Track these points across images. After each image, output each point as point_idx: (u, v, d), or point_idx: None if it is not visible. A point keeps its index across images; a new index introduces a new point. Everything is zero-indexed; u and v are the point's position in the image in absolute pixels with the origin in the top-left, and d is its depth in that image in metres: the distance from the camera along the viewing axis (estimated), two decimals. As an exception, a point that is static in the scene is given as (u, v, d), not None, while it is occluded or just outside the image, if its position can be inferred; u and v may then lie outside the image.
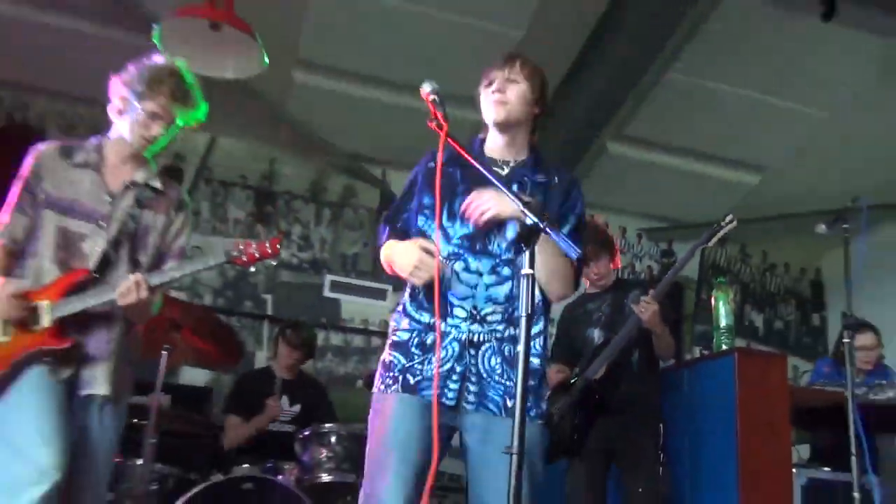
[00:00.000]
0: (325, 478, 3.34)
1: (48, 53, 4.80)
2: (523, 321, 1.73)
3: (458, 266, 2.08)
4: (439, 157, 2.00)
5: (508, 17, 4.61)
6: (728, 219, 3.24)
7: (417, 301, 2.10)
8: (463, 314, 2.06)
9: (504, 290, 2.07)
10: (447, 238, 2.09)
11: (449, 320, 2.05)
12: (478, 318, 2.05)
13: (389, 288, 5.68)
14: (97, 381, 2.30)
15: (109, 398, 2.32)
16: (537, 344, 2.09)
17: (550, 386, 3.32)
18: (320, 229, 5.75)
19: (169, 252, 2.47)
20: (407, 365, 2.04)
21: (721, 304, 3.68)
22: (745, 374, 3.31)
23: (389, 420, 2.01)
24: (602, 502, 3.37)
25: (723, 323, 3.66)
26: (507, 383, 2.02)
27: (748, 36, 4.63)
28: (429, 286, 2.03)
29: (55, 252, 2.33)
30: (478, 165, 1.99)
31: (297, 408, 4.25)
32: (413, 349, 2.06)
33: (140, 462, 3.40)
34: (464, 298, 2.06)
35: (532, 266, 1.75)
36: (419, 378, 2.03)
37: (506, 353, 2.05)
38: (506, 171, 2.17)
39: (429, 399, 1.98)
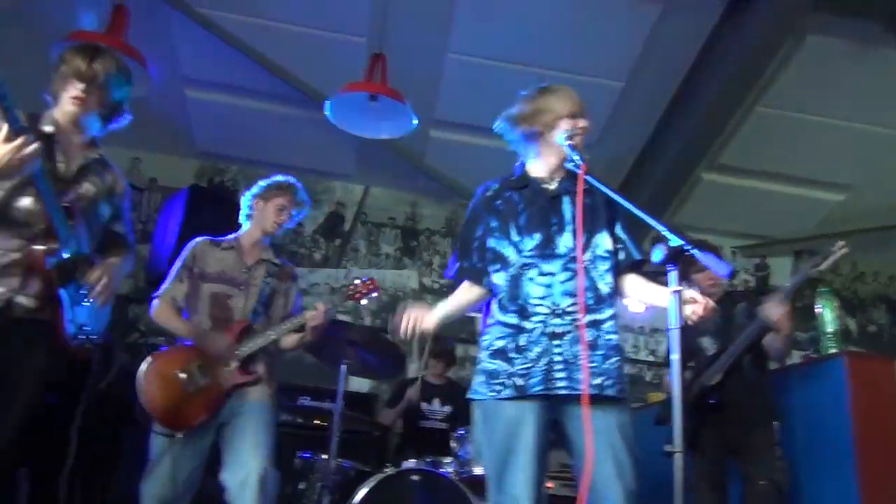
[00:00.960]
0: (479, 471, 3.25)
1: (240, 130, 5.06)
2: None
3: (533, 273, 2.01)
4: (579, 190, 1.94)
5: (610, 70, 4.49)
6: (839, 245, 2.94)
7: (503, 307, 2.03)
8: (546, 311, 1.98)
9: (576, 282, 1.98)
10: (519, 251, 2.04)
11: (533, 319, 1.98)
12: (558, 312, 1.97)
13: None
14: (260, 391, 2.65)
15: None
16: (614, 324, 2.01)
17: (669, 389, 3.14)
18: (457, 259, 5.74)
19: (293, 307, 2.87)
20: (511, 370, 1.95)
21: (827, 311, 3.40)
22: (856, 375, 3.04)
23: (509, 424, 1.92)
24: (723, 494, 3.14)
25: (829, 329, 3.39)
26: (591, 365, 1.93)
27: (829, 68, 4.34)
28: (512, 292, 2.02)
29: (210, 310, 2.65)
30: (618, 197, 1.91)
31: (447, 408, 4.24)
32: (511, 354, 1.97)
33: (325, 457, 3.46)
34: (543, 297, 1.99)
35: (678, 283, 1.65)
36: (527, 377, 1.94)
37: (588, 339, 1.96)
38: (553, 185, 2.12)
39: (534, 394, 1.92)
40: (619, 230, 2.11)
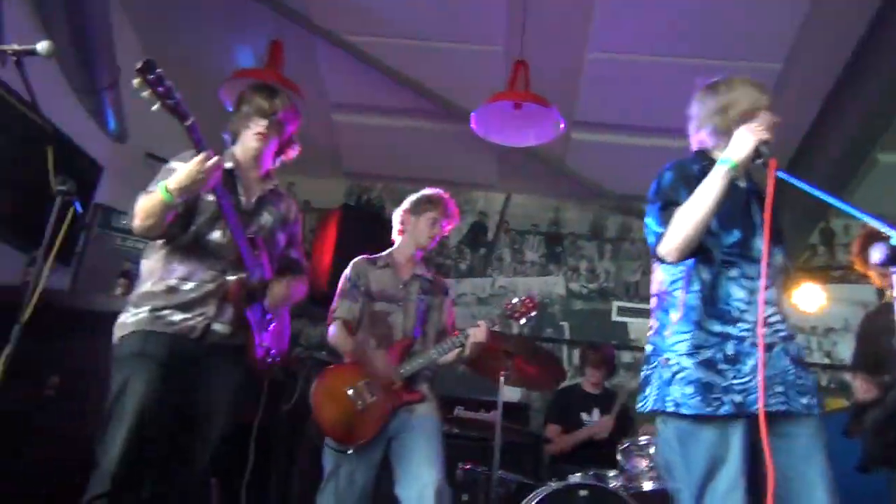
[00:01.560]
0: (648, 486, 3.13)
1: (383, 148, 5.21)
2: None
3: (735, 273, 1.87)
4: (770, 188, 1.77)
5: (765, 53, 4.16)
6: None
7: (705, 309, 1.86)
8: (752, 319, 1.83)
9: (774, 291, 1.88)
10: (719, 245, 1.89)
11: (741, 325, 1.84)
12: (765, 322, 1.84)
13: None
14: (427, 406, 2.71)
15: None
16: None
17: (860, 398, 2.84)
18: (603, 262, 5.58)
19: (447, 320, 2.91)
20: (725, 384, 1.81)
21: None
22: None
23: (715, 445, 1.78)
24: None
25: None
26: (799, 381, 1.83)
27: None
28: (714, 292, 1.87)
29: (372, 328, 2.72)
30: (823, 194, 1.75)
31: (607, 417, 4.10)
32: (721, 366, 1.82)
33: (485, 469, 3.46)
34: (748, 303, 1.84)
35: None
36: (745, 394, 1.80)
37: (791, 353, 1.86)
38: (743, 184, 2.02)
39: (753, 413, 1.76)
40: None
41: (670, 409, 1.84)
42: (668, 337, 1.92)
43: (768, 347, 1.82)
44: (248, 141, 2.26)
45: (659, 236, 1.87)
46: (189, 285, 2.09)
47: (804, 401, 1.83)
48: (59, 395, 2.93)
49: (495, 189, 5.62)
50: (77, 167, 3.75)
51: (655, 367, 1.94)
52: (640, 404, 1.95)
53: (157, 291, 2.08)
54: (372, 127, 5.03)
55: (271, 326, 2.27)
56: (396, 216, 2.93)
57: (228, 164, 2.24)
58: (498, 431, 3.16)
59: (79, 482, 1.95)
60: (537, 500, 2.98)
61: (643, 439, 3.29)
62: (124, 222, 3.41)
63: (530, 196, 5.70)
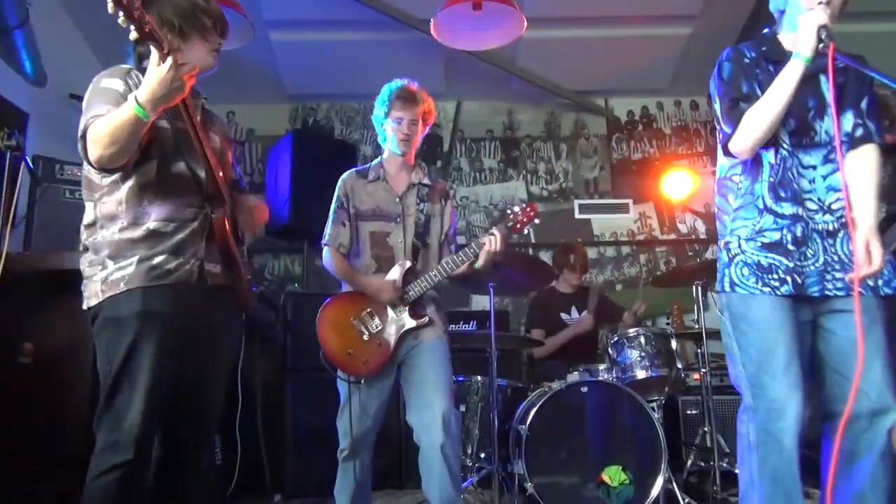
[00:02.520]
0: (641, 374, 3.26)
1: (329, 64, 4.95)
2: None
3: (792, 163, 1.91)
4: (831, 70, 1.75)
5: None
6: None
7: (775, 192, 1.91)
8: (814, 206, 1.89)
9: (839, 176, 1.88)
10: (782, 131, 1.91)
11: (808, 207, 1.90)
12: (825, 208, 1.89)
13: (630, 202, 5.46)
14: (434, 330, 2.59)
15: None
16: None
17: None
18: (561, 162, 5.59)
19: (449, 230, 2.71)
20: (790, 265, 1.87)
21: None
22: None
23: (771, 323, 1.86)
24: None
25: None
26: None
27: None
28: (782, 175, 1.91)
29: (370, 250, 2.58)
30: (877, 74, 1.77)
31: (585, 315, 4.21)
32: (789, 246, 1.88)
33: (479, 378, 3.53)
34: (809, 192, 1.90)
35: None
36: (804, 277, 1.87)
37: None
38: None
39: (814, 294, 1.85)
40: (863, 106, 1.97)
41: (727, 288, 1.94)
42: (728, 222, 2.00)
43: (831, 234, 1.88)
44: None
45: (728, 136, 1.91)
46: (172, 226, 1.87)
47: (870, 283, 1.86)
48: (35, 362, 2.80)
49: (444, 97, 5.46)
50: (1, 118, 3.41)
51: (719, 251, 2.03)
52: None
53: (136, 238, 1.84)
54: (310, 44, 4.76)
55: (245, 256, 2.10)
56: (376, 123, 2.68)
57: None
58: (493, 342, 3.22)
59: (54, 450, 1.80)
60: (543, 400, 3.06)
61: (632, 331, 3.40)
62: (70, 172, 3.16)
63: (481, 102, 5.58)
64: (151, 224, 1.85)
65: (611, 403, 3.13)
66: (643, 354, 3.29)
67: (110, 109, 1.76)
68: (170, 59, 1.68)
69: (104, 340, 1.81)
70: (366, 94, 5.26)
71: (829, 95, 1.82)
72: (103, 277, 1.84)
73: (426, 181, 2.67)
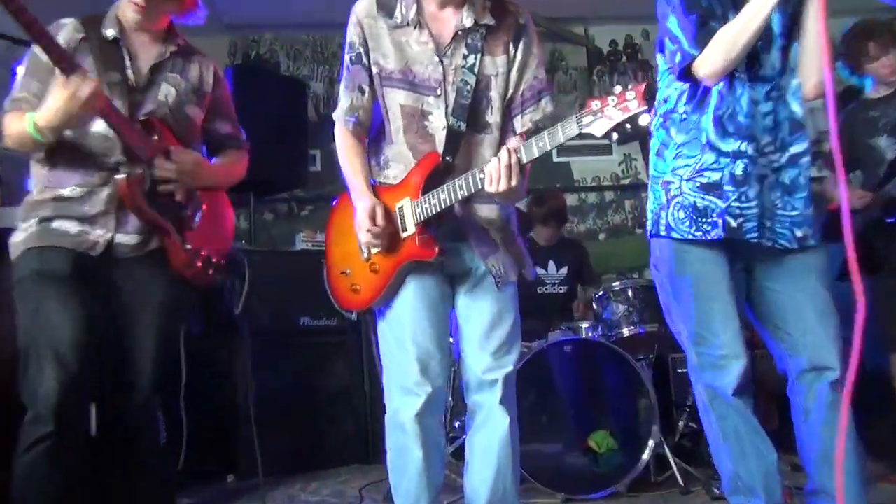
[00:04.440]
0: (631, 330, 3.30)
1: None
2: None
3: (741, 95, 1.90)
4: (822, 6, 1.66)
5: None
6: None
7: (721, 127, 1.90)
8: (750, 149, 1.90)
9: (773, 117, 1.92)
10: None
11: (753, 145, 1.90)
12: (761, 150, 1.91)
13: (614, 142, 5.44)
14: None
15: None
16: (805, 162, 1.95)
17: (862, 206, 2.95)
18: (536, 99, 5.53)
19: (523, 96, 1.94)
20: (723, 206, 1.89)
21: None
22: None
23: (708, 268, 1.92)
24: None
25: None
26: (792, 214, 1.92)
27: None
28: (728, 106, 1.90)
29: (404, 135, 1.93)
30: None
31: (563, 271, 4.22)
32: (726, 187, 1.90)
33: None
34: (747, 129, 1.90)
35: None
36: (741, 219, 1.89)
37: (785, 183, 1.93)
38: None
39: (752, 240, 1.90)
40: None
41: (662, 232, 1.98)
42: (670, 159, 1.99)
43: (760, 179, 1.91)
44: (126, 9, 2.02)
45: (691, 57, 1.87)
46: (79, 191, 1.95)
47: (798, 233, 1.93)
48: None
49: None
50: None
51: (654, 189, 2.04)
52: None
53: (43, 200, 1.96)
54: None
55: (196, 222, 2.10)
56: None
57: (111, 32, 1.99)
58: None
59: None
60: (522, 362, 3.05)
61: (617, 284, 3.42)
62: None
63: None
64: (62, 190, 1.95)
65: (596, 363, 3.15)
66: (631, 309, 3.31)
67: (35, 88, 1.94)
68: (74, 80, 1.76)
69: (17, 305, 1.91)
70: (315, 24, 5.19)
71: (818, 38, 1.79)
72: (13, 240, 1.97)
73: (485, 20, 1.90)
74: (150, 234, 2.00)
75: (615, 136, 1.64)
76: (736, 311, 1.92)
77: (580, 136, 1.65)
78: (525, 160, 1.73)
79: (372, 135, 2.03)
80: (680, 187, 1.95)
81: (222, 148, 2.26)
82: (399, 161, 1.94)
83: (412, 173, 1.91)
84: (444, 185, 1.83)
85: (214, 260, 2.16)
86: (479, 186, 1.77)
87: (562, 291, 4.17)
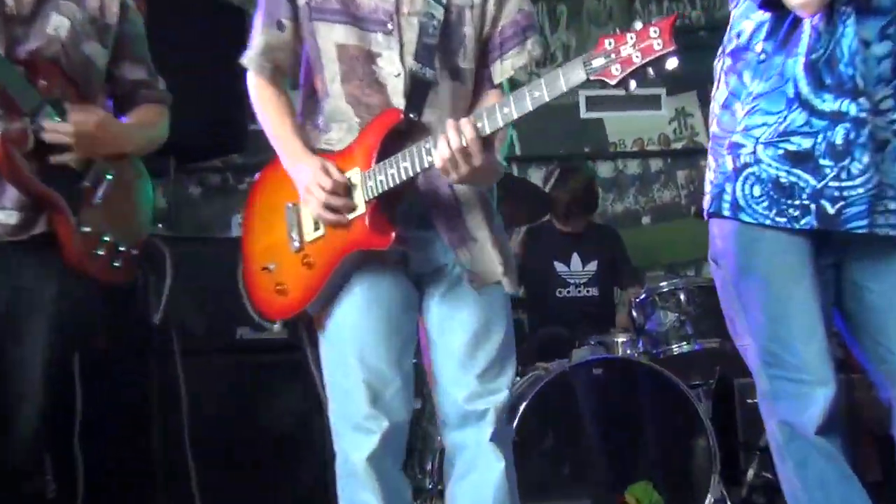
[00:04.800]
0: (683, 346, 3.31)
1: None
2: None
3: (843, 34, 1.86)
4: None
5: None
6: None
7: (816, 76, 1.87)
8: (854, 109, 1.86)
9: (893, 62, 1.88)
10: None
11: (861, 103, 1.86)
12: (875, 108, 1.87)
13: (663, 91, 5.45)
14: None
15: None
16: None
17: None
18: (559, 34, 5.55)
19: (501, 35, 1.95)
20: (818, 186, 1.86)
21: None
22: None
23: (787, 263, 1.91)
24: None
25: None
26: None
27: None
28: (825, 51, 1.86)
29: (343, 86, 1.95)
30: None
31: (592, 266, 4.24)
32: (822, 160, 1.86)
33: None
34: (852, 82, 1.86)
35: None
36: (841, 204, 1.86)
37: None
38: None
39: (857, 231, 1.87)
40: None
41: (725, 212, 1.95)
42: (740, 114, 1.97)
43: (875, 146, 1.87)
44: None
45: None
46: None
47: None
48: None
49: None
50: None
51: (717, 153, 2.03)
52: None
53: None
54: None
55: (98, 197, 2.11)
56: None
57: None
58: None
59: None
60: (537, 389, 3.09)
61: (665, 284, 3.43)
62: None
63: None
64: None
65: (636, 391, 3.17)
66: (683, 318, 3.32)
67: None
68: None
69: None
70: None
71: None
72: None
73: None
74: (34, 213, 2.01)
75: (632, 84, 1.64)
76: (822, 320, 1.90)
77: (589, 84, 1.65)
78: (488, 130, 1.73)
79: (304, 88, 2.06)
80: (755, 153, 1.92)
81: (134, 101, 2.27)
82: (340, 119, 1.96)
83: (364, 135, 1.92)
84: (407, 152, 1.84)
85: (123, 249, 2.16)
86: (427, 166, 1.80)
87: (590, 294, 4.20)
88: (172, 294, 3.38)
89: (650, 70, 1.61)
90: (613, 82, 1.62)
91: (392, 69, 1.91)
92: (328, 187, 1.84)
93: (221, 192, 5.22)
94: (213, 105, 4.04)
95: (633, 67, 1.61)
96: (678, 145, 5.50)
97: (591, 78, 1.63)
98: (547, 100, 1.66)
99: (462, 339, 1.93)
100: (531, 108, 1.68)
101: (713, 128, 2.07)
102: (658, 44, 1.60)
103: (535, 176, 5.04)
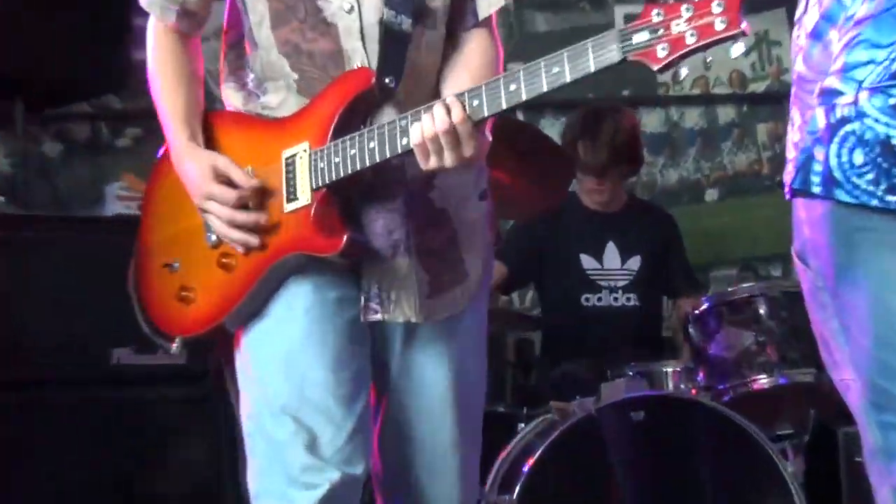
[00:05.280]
0: (764, 380, 3.35)
1: None
2: None
3: None
4: None
5: None
6: None
7: None
8: None
9: None
10: None
11: None
12: None
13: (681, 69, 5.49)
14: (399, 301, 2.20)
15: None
16: None
17: None
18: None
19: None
20: None
21: None
22: None
23: None
24: None
25: None
26: None
27: None
28: None
29: (274, 31, 2.11)
30: None
31: (634, 263, 4.26)
32: None
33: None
34: None
35: None
36: None
37: None
38: None
39: None
40: None
41: (815, 189, 1.97)
42: (838, 47, 1.98)
43: None
44: None
45: None
46: None
47: None
48: None
49: None
50: None
51: (803, 102, 2.05)
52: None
53: None
54: None
55: None
56: None
57: None
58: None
59: None
60: (551, 439, 3.14)
61: (738, 290, 3.47)
62: None
63: None
64: None
65: (693, 444, 3.21)
66: (762, 339, 3.35)
67: None
68: None
69: None
70: None
71: None
72: None
73: None
74: None
75: (683, 71, 1.78)
76: None
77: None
78: (486, 112, 1.85)
79: (227, 37, 2.19)
80: (856, 104, 1.94)
81: None
82: (273, 77, 2.10)
83: (320, 101, 2.04)
84: (376, 128, 1.96)
85: None
86: (400, 150, 1.93)
87: (630, 304, 4.24)
88: (17, 298, 3.40)
89: (707, 57, 1.72)
90: (657, 67, 1.70)
91: (342, 2, 2.03)
92: (230, 201, 1.95)
93: (91, 150, 5.24)
94: (81, 28, 4.05)
95: (685, 51, 1.68)
96: (758, 87, 5.56)
97: (630, 59, 1.70)
98: (568, 80, 1.73)
99: (436, 393, 2.15)
100: (546, 89, 1.76)
101: (798, 66, 2.10)
102: (722, 22, 1.65)
103: (552, 133, 5.05)
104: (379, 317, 2.08)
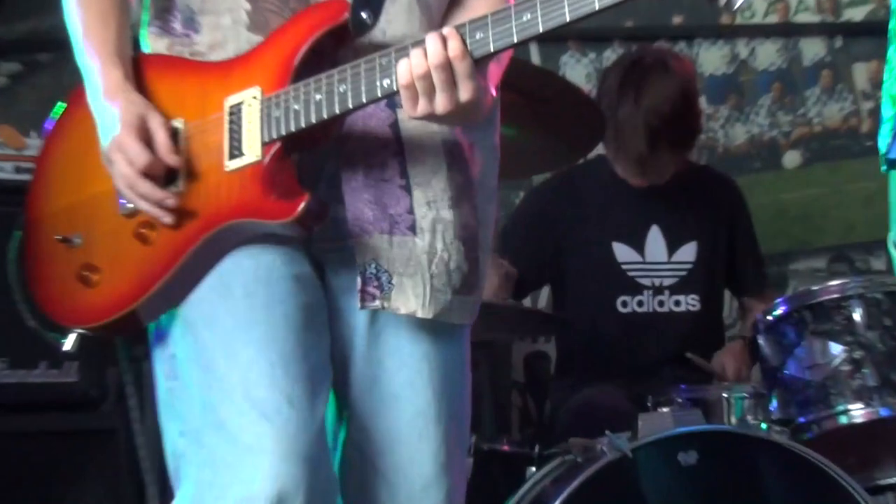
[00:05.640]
0: (856, 414, 3.36)
1: None
2: None
3: None
4: None
5: None
6: None
7: None
8: None
9: None
10: None
11: None
12: None
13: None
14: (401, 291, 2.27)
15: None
16: None
17: None
18: None
19: None
20: None
21: None
22: None
23: None
24: None
25: None
26: None
27: None
28: None
29: None
30: None
31: (687, 252, 4.28)
32: None
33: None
34: None
35: None
36: None
37: None
38: None
39: None
40: None
41: None
42: None
43: None
44: None
45: None
46: None
47: None
48: None
49: None
50: None
51: None
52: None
53: None
54: None
55: None
56: None
57: None
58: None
59: None
60: (572, 489, 3.14)
61: (826, 288, 3.47)
62: None
63: None
64: None
65: (764, 494, 3.22)
66: (859, 355, 3.37)
67: None
68: None
69: None
70: None
71: None
72: None
73: None
74: None
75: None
76: None
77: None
78: (493, 47, 1.92)
79: None
80: None
81: None
82: (210, 10, 2.22)
83: (277, 37, 2.15)
84: (348, 68, 2.04)
85: None
86: (380, 94, 2.01)
87: (678, 310, 4.30)
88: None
89: None
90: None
91: None
92: (140, 164, 2.00)
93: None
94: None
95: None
96: (857, 14, 5.59)
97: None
98: (597, 8, 1.78)
99: (412, 406, 2.20)
100: (567, 20, 1.81)
101: None
102: None
103: (576, 74, 5.08)
104: (378, 304, 2.14)
